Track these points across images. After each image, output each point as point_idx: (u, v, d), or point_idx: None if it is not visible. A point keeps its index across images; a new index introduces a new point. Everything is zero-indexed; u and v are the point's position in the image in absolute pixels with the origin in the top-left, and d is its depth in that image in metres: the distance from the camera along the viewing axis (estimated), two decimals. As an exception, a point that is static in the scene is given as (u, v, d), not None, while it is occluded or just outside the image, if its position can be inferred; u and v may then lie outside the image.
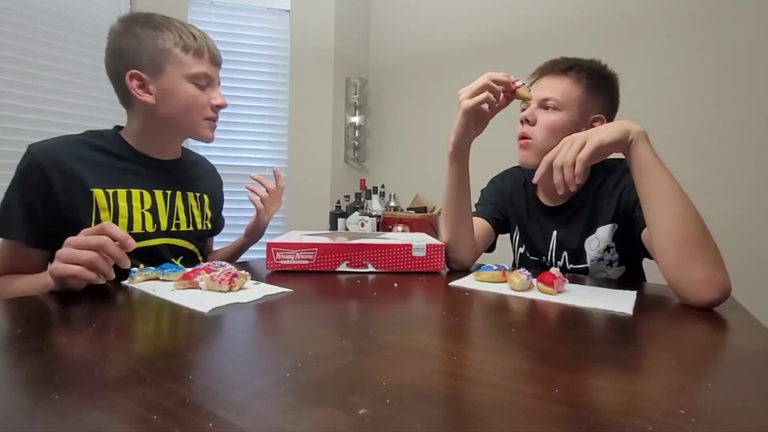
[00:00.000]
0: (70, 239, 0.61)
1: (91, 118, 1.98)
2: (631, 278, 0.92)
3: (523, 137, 0.92)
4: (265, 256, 0.82)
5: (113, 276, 0.63)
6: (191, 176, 0.96)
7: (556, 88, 0.90)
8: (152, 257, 0.81)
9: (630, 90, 1.79)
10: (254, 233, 1.05)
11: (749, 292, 0.93)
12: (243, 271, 0.67)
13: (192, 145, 1.47)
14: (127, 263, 0.62)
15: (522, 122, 0.92)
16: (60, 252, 0.61)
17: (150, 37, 0.81)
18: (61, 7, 1.87)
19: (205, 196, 0.98)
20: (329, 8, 2.46)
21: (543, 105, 0.90)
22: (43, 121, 1.82)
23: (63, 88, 1.89)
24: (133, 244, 0.62)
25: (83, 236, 0.61)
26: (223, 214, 1.09)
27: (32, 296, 0.60)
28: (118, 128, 0.89)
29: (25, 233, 0.75)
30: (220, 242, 1.13)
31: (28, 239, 0.76)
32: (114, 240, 0.61)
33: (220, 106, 0.87)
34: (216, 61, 0.88)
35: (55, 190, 0.75)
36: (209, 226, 0.98)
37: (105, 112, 2.05)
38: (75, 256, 0.59)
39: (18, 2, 1.74)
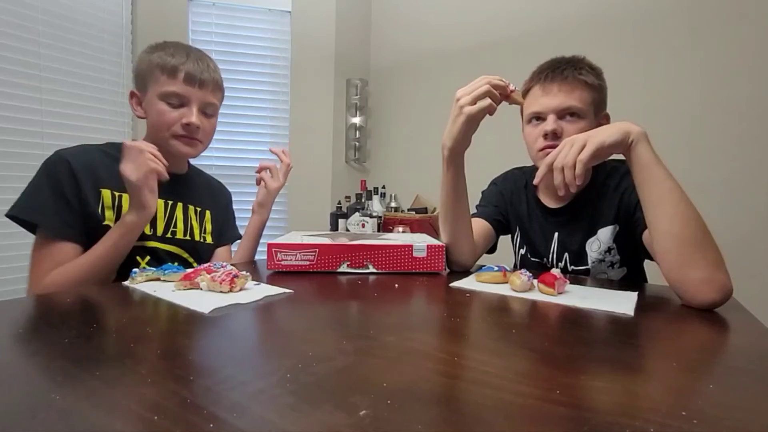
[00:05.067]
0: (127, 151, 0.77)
1: (92, 119, 1.99)
2: (632, 280, 0.92)
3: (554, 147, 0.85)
4: (266, 257, 0.82)
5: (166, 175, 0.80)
6: (196, 192, 1.00)
7: (572, 95, 0.86)
8: (150, 256, 0.87)
9: (630, 90, 1.81)
10: (263, 209, 1.09)
11: (750, 292, 0.93)
12: (243, 272, 0.67)
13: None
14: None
15: (545, 136, 0.87)
16: (123, 166, 0.76)
17: (144, 60, 0.89)
18: (63, 8, 1.88)
19: (207, 212, 1.02)
20: (330, 9, 2.46)
21: (564, 114, 0.87)
22: (45, 122, 1.83)
23: (64, 89, 1.89)
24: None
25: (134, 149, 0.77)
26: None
27: (32, 297, 0.61)
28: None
29: (57, 221, 0.78)
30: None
31: (60, 229, 0.79)
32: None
33: (188, 125, 0.88)
34: (193, 81, 0.87)
35: (80, 186, 0.80)
36: (207, 239, 1.01)
37: (106, 113, 2.06)
38: (136, 159, 0.76)
39: (19, 3, 1.74)
